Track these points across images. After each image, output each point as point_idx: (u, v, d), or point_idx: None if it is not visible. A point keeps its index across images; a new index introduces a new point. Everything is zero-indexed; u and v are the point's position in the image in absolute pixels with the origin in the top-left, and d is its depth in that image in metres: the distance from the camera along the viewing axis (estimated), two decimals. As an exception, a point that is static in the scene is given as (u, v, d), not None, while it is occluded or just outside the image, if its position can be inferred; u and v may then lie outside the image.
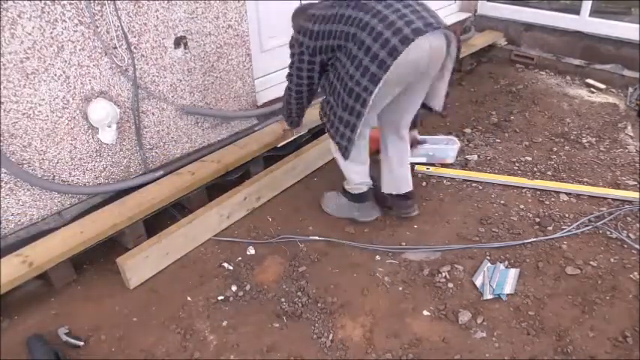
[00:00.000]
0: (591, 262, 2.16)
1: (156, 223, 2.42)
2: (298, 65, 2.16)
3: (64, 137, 2.10)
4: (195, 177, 2.46)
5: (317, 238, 2.34)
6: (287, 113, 2.47)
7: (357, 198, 2.40)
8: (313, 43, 2.06)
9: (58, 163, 2.12)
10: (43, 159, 2.07)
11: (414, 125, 2.51)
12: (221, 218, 2.43)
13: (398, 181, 2.40)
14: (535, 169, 2.82)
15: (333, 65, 2.09)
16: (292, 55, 2.17)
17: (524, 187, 2.66)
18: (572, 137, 3.14)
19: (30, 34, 1.87)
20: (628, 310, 1.94)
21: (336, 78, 2.05)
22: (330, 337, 1.87)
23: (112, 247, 2.30)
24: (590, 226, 2.36)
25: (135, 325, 1.95)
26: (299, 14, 2.24)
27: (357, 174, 2.34)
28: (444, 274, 2.12)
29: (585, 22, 3.88)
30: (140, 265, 2.14)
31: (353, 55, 1.93)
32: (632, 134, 3.14)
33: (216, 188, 2.61)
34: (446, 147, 2.91)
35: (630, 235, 2.30)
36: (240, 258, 2.27)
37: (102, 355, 1.84)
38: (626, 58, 3.73)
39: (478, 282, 2.08)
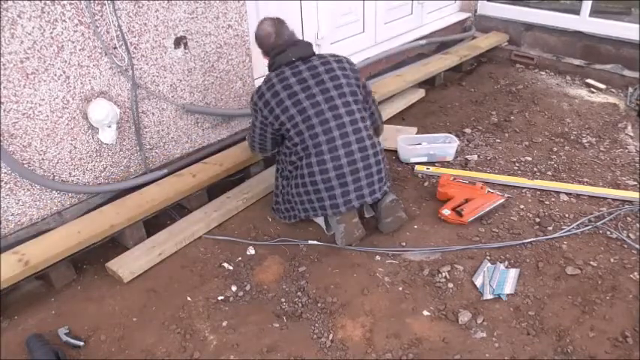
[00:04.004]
0: (591, 262, 2.15)
1: (156, 223, 2.43)
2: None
3: (64, 137, 2.10)
4: (197, 179, 2.46)
5: (315, 242, 2.33)
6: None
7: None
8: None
9: (58, 163, 2.12)
10: (43, 159, 2.07)
11: None
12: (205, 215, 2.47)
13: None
14: (535, 169, 2.82)
15: (286, 155, 2.27)
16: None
17: (524, 187, 2.66)
18: (572, 137, 3.14)
19: (30, 34, 1.87)
20: (628, 310, 1.94)
21: (290, 173, 2.27)
22: (330, 337, 1.87)
23: (112, 247, 2.30)
24: (590, 226, 2.36)
25: (135, 325, 1.95)
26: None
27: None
28: (444, 274, 2.12)
29: (585, 22, 3.88)
30: (127, 258, 2.19)
31: (301, 173, 2.18)
32: (632, 134, 3.14)
33: (217, 188, 2.61)
34: (446, 145, 2.91)
35: (630, 235, 2.30)
36: (240, 258, 2.26)
37: (102, 355, 1.84)
38: (626, 58, 3.73)
39: (478, 282, 2.08)
